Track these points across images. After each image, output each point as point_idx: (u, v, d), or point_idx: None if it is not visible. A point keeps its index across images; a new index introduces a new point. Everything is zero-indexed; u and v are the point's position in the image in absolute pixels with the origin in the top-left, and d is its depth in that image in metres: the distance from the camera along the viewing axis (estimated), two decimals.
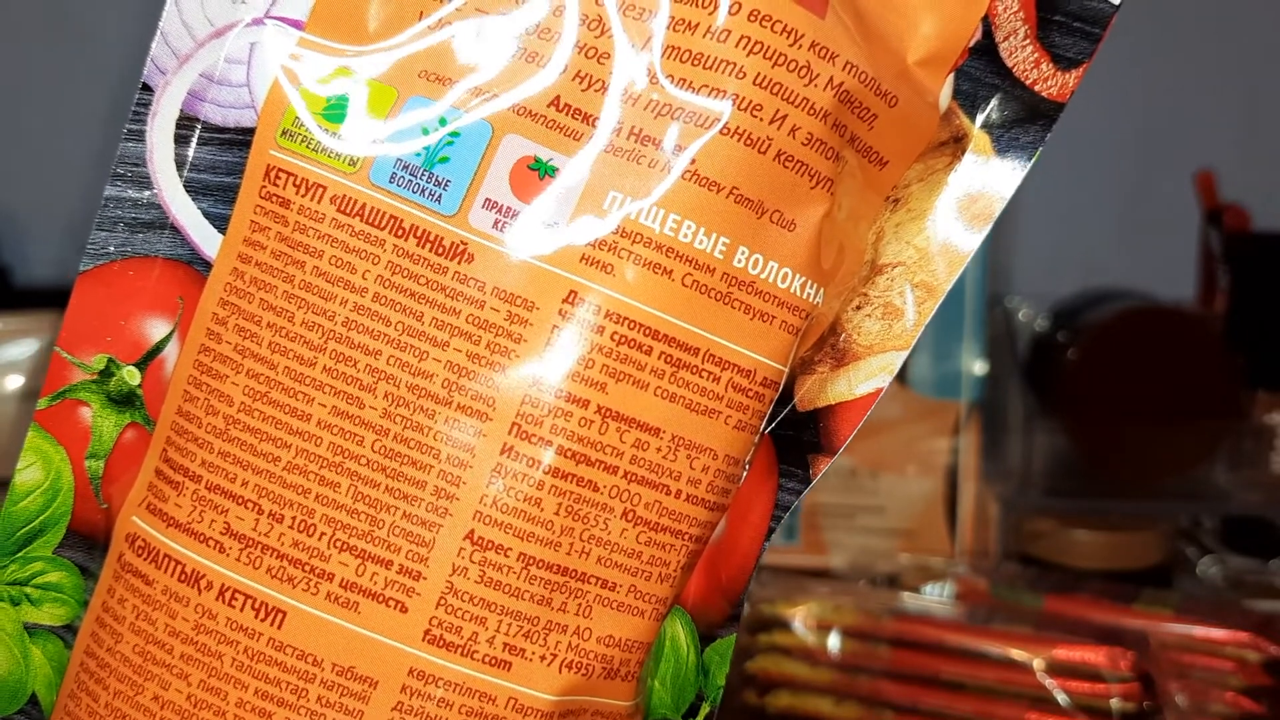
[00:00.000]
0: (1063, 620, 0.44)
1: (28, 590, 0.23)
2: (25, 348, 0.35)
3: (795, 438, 0.24)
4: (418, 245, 0.21)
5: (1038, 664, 0.41)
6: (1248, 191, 0.63)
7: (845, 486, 0.53)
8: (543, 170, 0.22)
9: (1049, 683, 0.40)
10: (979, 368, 0.52)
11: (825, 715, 0.42)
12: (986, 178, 0.24)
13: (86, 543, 0.24)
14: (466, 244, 0.21)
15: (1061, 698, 0.40)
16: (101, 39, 0.67)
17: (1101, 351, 0.55)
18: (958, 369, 0.52)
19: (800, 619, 0.44)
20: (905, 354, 0.24)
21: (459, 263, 0.21)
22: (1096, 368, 0.55)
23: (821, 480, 0.56)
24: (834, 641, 0.43)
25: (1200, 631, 0.43)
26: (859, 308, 0.24)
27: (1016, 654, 0.41)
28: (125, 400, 0.23)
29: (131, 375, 0.23)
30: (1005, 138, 0.24)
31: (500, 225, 0.22)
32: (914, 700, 0.41)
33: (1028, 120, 0.24)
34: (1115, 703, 0.40)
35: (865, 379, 0.24)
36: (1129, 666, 0.40)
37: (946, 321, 0.52)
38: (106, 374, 0.23)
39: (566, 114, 0.22)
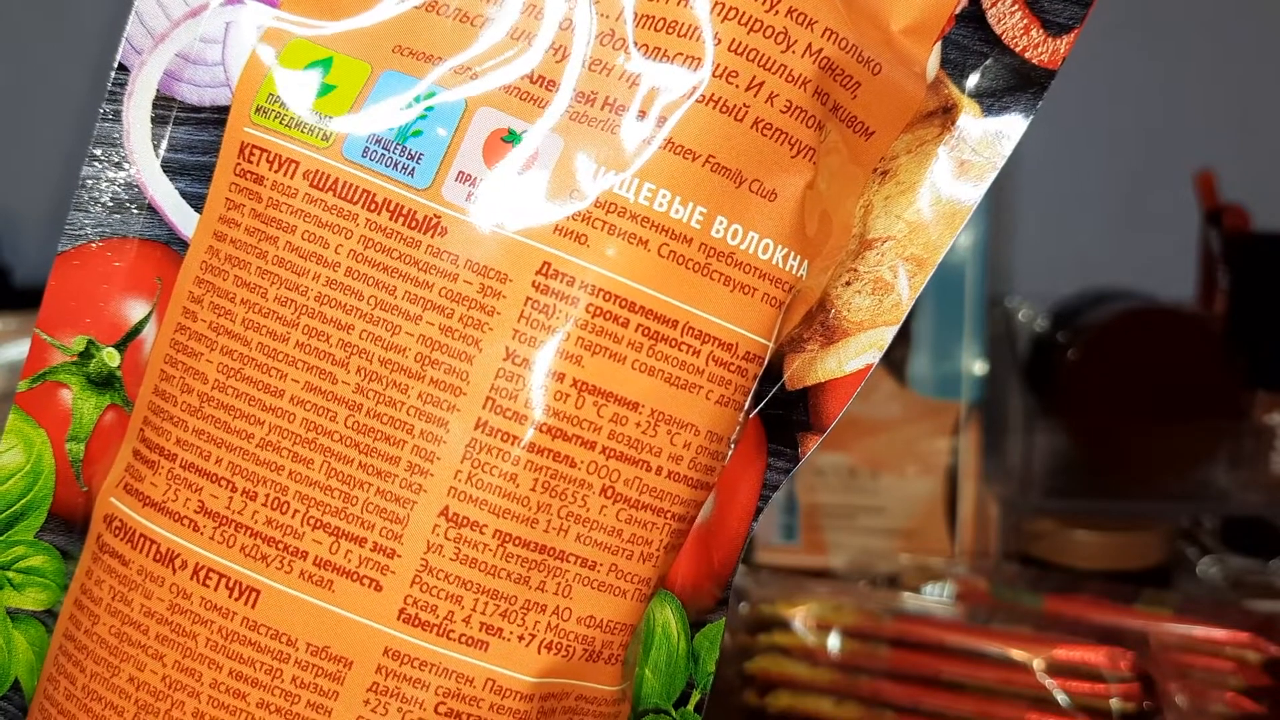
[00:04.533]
0: (1063, 620, 0.44)
1: (9, 575, 0.23)
2: (25, 348, 0.35)
3: (784, 416, 0.24)
4: (390, 219, 0.21)
5: (1038, 664, 0.41)
6: (1248, 192, 0.62)
7: (845, 487, 0.53)
8: (516, 142, 0.21)
9: (1049, 683, 0.40)
10: (979, 368, 0.52)
11: (825, 715, 0.42)
12: (977, 148, 0.23)
13: (67, 526, 0.23)
14: (440, 217, 0.21)
15: (1061, 698, 0.40)
16: (102, 39, 0.68)
17: (1101, 352, 0.55)
18: (958, 369, 0.52)
19: (800, 619, 0.44)
20: (896, 329, 0.24)
21: (432, 236, 0.21)
22: (1096, 368, 0.55)
23: (822, 480, 0.56)
24: (834, 642, 0.43)
25: (1200, 632, 0.43)
26: (848, 283, 0.24)
27: (1016, 654, 0.41)
28: (105, 382, 0.23)
29: (111, 357, 0.23)
30: (996, 106, 0.23)
31: (473, 198, 0.21)
32: (914, 700, 0.41)
33: (1018, 88, 0.23)
34: (1115, 703, 0.40)
35: (855, 355, 0.24)
36: (1129, 667, 0.40)
37: (946, 321, 0.52)
38: (86, 355, 0.23)
39: (540, 85, 0.21)
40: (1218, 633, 0.43)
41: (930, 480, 0.52)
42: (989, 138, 0.23)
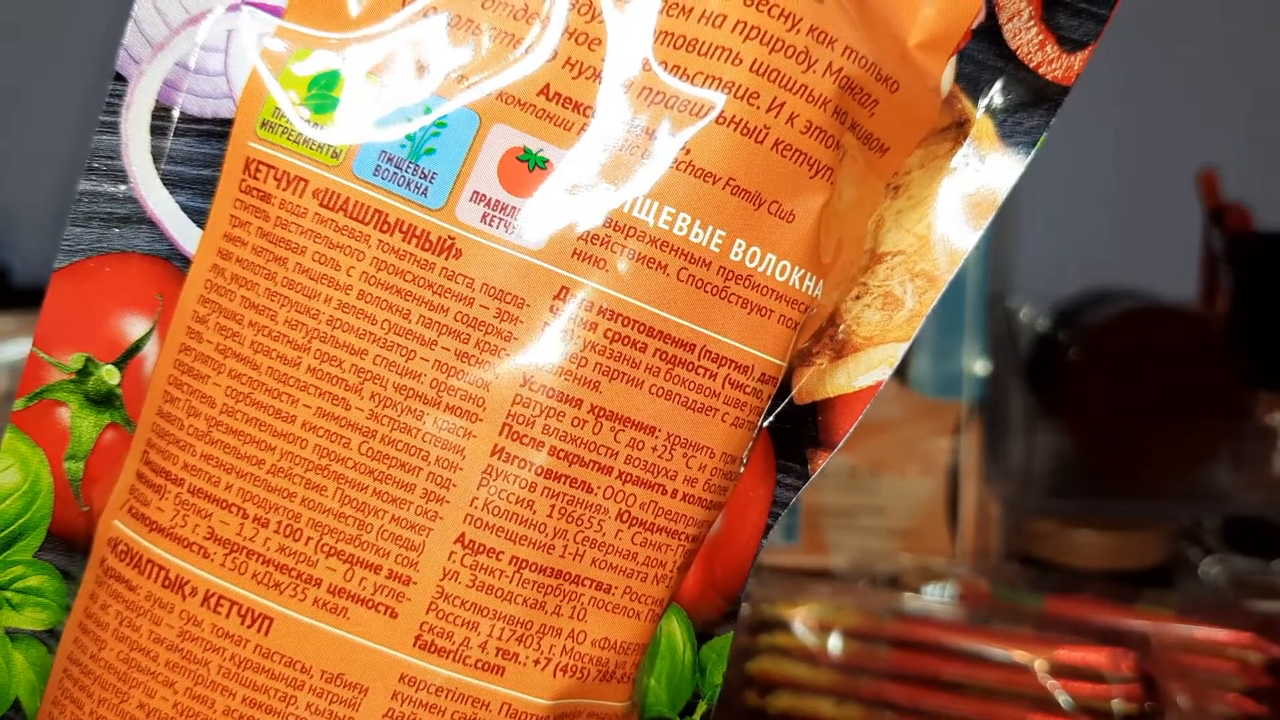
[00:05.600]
0: (1064, 621, 0.44)
1: (8, 595, 0.23)
2: (24, 348, 0.34)
3: (793, 431, 0.24)
4: (403, 240, 0.21)
5: (1039, 665, 0.41)
6: (1250, 190, 0.62)
7: (846, 487, 0.53)
8: (532, 162, 0.21)
9: (1050, 684, 0.40)
10: (980, 368, 0.52)
11: (826, 717, 0.42)
12: (990, 163, 0.23)
13: (67, 546, 0.23)
14: (454, 239, 0.21)
15: (1063, 699, 0.40)
16: (103, 38, 0.67)
17: (1103, 351, 0.55)
18: (959, 369, 0.52)
19: (801, 620, 0.44)
20: (906, 345, 0.23)
21: (446, 258, 0.21)
22: (1098, 368, 0.55)
23: (822, 480, 0.56)
24: (835, 642, 0.43)
25: (1202, 632, 0.43)
26: (858, 297, 0.24)
27: (1018, 655, 0.41)
28: (104, 400, 0.23)
29: (110, 374, 0.23)
30: (1009, 122, 0.23)
31: (489, 219, 0.21)
32: (915, 702, 0.41)
33: (1032, 104, 0.23)
34: (1117, 704, 0.40)
35: (865, 371, 0.23)
36: (1130, 668, 0.40)
37: (948, 321, 0.52)
38: (84, 373, 0.23)
39: (556, 103, 0.21)
40: (1220, 633, 0.43)
41: (931, 480, 0.52)
42: (1001, 153, 0.23)
